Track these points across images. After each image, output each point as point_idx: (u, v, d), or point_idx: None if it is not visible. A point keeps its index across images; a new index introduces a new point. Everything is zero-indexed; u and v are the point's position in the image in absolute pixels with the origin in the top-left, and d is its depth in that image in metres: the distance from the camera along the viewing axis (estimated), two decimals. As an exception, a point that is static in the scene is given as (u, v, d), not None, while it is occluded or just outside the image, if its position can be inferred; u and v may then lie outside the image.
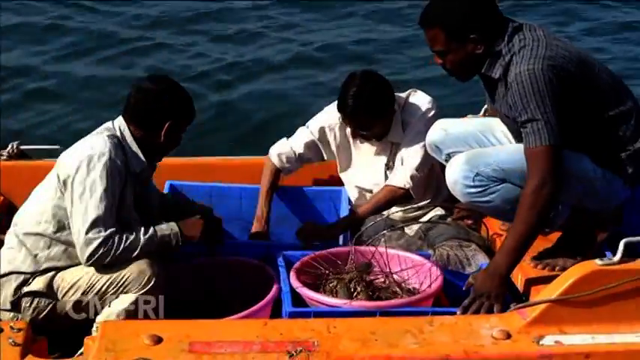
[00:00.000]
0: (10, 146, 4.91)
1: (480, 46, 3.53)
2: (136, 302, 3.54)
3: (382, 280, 3.86)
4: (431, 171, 4.43)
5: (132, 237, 3.57)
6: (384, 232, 4.15)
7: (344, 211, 4.56)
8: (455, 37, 3.54)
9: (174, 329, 3.13)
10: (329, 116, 4.54)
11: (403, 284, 3.85)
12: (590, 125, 3.56)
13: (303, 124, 4.67)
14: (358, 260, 3.95)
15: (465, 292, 3.93)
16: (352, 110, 4.24)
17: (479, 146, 3.91)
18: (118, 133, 3.73)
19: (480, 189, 3.60)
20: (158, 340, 3.03)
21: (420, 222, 4.42)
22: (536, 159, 3.39)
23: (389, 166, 4.45)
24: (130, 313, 3.53)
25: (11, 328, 3.14)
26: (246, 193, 4.77)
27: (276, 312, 3.70)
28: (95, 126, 3.87)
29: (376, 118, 4.29)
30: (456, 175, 3.64)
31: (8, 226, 4.49)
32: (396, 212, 4.46)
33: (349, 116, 4.28)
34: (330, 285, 3.78)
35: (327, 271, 3.84)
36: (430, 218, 4.46)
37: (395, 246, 4.11)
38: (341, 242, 4.28)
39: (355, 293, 3.71)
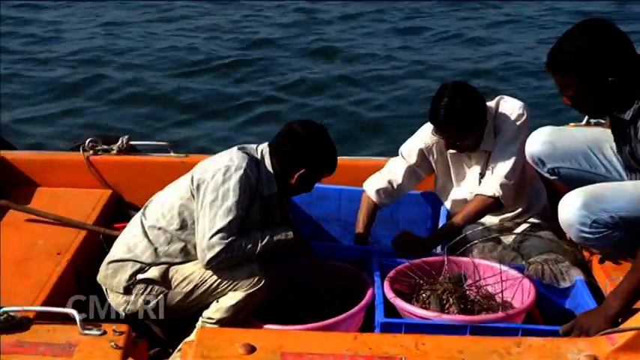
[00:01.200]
0: (120, 141, 5.08)
1: (617, 88, 3.41)
2: (244, 300, 3.72)
3: (475, 292, 3.90)
4: (522, 178, 4.40)
5: (250, 244, 3.74)
6: (476, 241, 4.19)
7: (443, 218, 4.59)
8: (590, 83, 3.42)
9: (268, 339, 3.22)
10: (424, 137, 4.55)
11: (496, 297, 3.88)
12: None
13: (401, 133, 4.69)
14: (452, 270, 4.00)
15: (559, 307, 3.96)
16: (444, 120, 4.23)
17: (587, 164, 3.90)
18: (259, 156, 3.90)
19: (595, 235, 3.62)
20: (251, 350, 3.11)
21: (514, 233, 4.42)
22: None
23: (483, 175, 4.44)
24: (238, 311, 3.72)
25: (114, 331, 3.28)
26: (346, 194, 4.84)
27: (368, 320, 3.78)
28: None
29: (468, 128, 4.28)
30: (572, 219, 3.65)
31: (116, 218, 4.74)
32: (491, 221, 4.48)
33: (441, 127, 4.28)
34: (423, 295, 3.84)
35: (420, 281, 3.90)
36: (525, 228, 4.46)
37: (489, 257, 4.13)
38: (439, 250, 4.32)
39: (447, 305, 3.76)
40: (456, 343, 3.25)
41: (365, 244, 4.54)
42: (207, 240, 3.68)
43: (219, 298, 3.76)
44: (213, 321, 3.73)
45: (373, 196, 4.58)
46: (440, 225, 4.54)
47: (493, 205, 4.35)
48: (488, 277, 3.95)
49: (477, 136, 4.36)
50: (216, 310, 3.74)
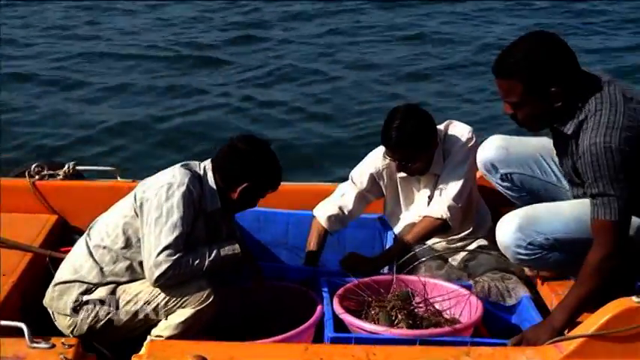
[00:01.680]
0: (66, 166, 5.06)
1: (559, 100, 3.47)
2: (193, 317, 3.69)
3: (423, 309, 3.93)
4: (469, 202, 4.47)
5: (197, 260, 3.72)
6: (424, 259, 4.24)
7: (389, 241, 4.62)
8: (534, 91, 3.46)
9: (219, 351, 3.22)
10: (374, 162, 4.60)
11: (444, 314, 3.92)
12: None
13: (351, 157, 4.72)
14: (400, 288, 4.03)
15: (505, 324, 4.01)
16: (396, 142, 4.29)
17: (539, 171, 3.94)
18: (201, 172, 3.90)
19: (531, 256, 3.67)
20: (203, 361, 3.12)
21: (462, 250, 4.47)
22: (605, 232, 3.42)
23: (432, 198, 4.48)
24: (187, 327, 3.69)
25: (62, 344, 3.25)
26: (294, 219, 4.85)
27: (318, 337, 3.78)
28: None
29: (420, 150, 4.34)
30: (508, 242, 3.70)
31: (62, 243, 4.70)
32: (439, 242, 4.53)
33: (393, 148, 4.33)
34: (372, 312, 3.86)
35: (369, 298, 3.92)
36: (473, 249, 4.51)
37: (436, 275, 4.18)
38: (386, 270, 4.35)
39: (396, 321, 3.78)
40: (406, 352, 3.29)
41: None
42: (154, 258, 3.66)
43: (167, 315, 3.74)
44: (162, 339, 3.69)
45: (324, 222, 4.59)
46: (387, 246, 4.57)
47: (440, 227, 4.40)
48: (435, 294, 3.99)
49: (428, 159, 4.42)
50: (165, 327, 3.72)
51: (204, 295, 3.70)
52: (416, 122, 4.31)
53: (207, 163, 3.95)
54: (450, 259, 4.45)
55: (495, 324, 3.99)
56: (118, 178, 5.06)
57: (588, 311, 3.46)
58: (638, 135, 3.39)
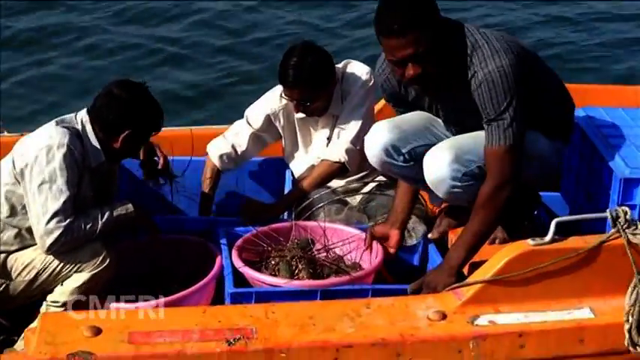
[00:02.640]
0: (-51, 125, 4.87)
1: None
2: (89, 281, 3.61)
3: (324, 256, 3.89)
4: None
5: (90, 223, 3.62)
6: (322, 204, 4.20)
7: (289, 184, 4.56)
8: (433, 31, 3.33)
9: (113, 319, 3.16)
10: (271, 103, 4.49)
11: (345, 259, 3.89)
12: (538, 101, 3.53)
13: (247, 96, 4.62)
14: (300, 235, 3.99)
15: (407, 264, 4.01)
16: (294, 80, 4.20)
17: (435, 138, 3.77)
18: (79, 127, 3.74)
19: (465, 189, 3.56)
20: (97, 332, 3.05)
21: (360, 193, 4.44)
22: (498, 159, 3.39)
23: (330, 139, 4.42)
24: (83, 292, 3.59)
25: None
26: (191, 165, 4.74)
27: (219, 291, 3.74)
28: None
29: (319, 88, 4.26)
30: (444, 175, 3.54)
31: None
32: (337, 184, 4.48)
33: (291, 87, 4.24)
34: (272, 262, 3.81)
35: (268, 248, 3.87)
36: (371, 188, 4.47)
37: (335, 220, 4.14)
38: (286, 216, 4.31)
39: (297, 271, 3.74)
40: (305, 308, 3.26)
41: (209, 208, 4.52)
42: (43, 226, 3.55)
43: (63, 281, 3.64)
44: (59, 304, 3.61)
45: (216, 161, 4.53)
46: (286, 191, 4.51)
47: (339, 170, 4.36)
48: (336, 240, 3.96)
49: (327, 98, 4.35)
50: (61, 293, 3.63)
51: (100, 259, 3.61)
52: (314, 59, 4.23)
53: (84, 115, 3.79)
54: (349, 202, 4.41)
55: (398, 265, 3.98)
56: (5, 133, 4.87)
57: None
58: (519, 57, 3.39)
